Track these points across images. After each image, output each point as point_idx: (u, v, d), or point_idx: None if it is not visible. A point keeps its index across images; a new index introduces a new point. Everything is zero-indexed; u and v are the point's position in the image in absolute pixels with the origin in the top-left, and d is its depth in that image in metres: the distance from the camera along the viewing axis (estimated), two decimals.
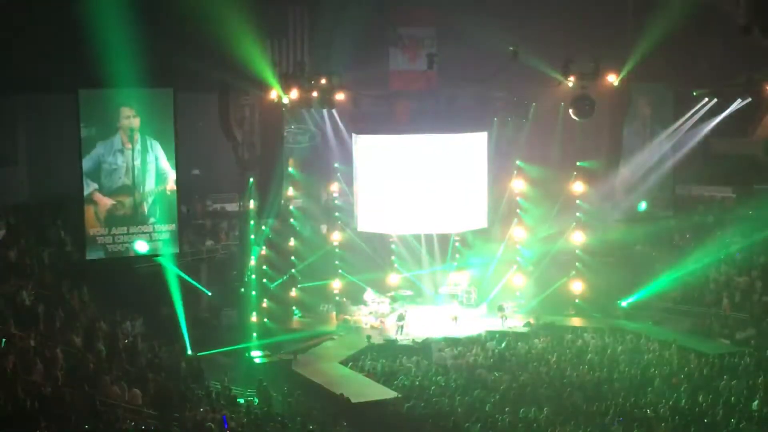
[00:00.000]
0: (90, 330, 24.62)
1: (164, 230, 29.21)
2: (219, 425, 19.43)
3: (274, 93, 29.52)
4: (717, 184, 36.52)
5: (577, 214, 33.50)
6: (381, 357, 28.77)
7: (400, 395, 24.77)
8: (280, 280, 32.50)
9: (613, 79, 30.54)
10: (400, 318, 31.55)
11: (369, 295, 33.33)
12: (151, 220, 28.86)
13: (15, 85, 28.73)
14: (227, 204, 34.88)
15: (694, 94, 32.81)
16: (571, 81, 30.25)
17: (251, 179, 31.24)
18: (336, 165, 34.47)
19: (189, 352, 27.48)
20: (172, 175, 29.08)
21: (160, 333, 27.65)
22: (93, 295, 27.28)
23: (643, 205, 33.08)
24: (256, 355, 29.50)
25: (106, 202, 28.35)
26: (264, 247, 32.37)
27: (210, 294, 31.95)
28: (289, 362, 28.50)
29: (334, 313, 33.23)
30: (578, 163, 33.05)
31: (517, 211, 34.26)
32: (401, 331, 31.10)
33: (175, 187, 29.15)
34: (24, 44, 27.69)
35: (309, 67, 33.06)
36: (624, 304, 32.35)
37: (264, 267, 32.10)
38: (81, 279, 27.40)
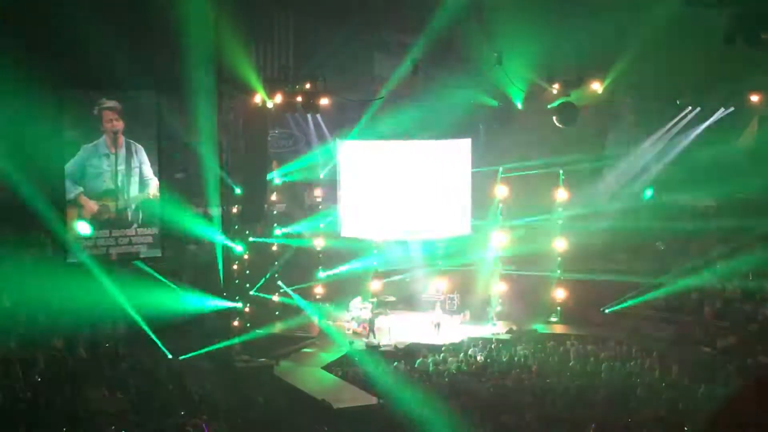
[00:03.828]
0: (71, 334, 24.53)
1: (147, 234, 29.13)
2: (198, 430, 19.35)
3: (259, 97, 29.47)
4: (699, 192, 36.57)
5: (559, 221, 33.55)
6: (363, 363, 28.72)
7: (381, 401, 24.75)
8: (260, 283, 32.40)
9: (597, 87, 30.64)
10: (371, 322, 31.63)
11: (355, 301, 33.22)
12: (134, 225, 28.79)
13: None
14: (211, 208, 34.71)
15: (678, 102, 32.95)
16: (555, 88, 30.32)
17: (235, 183, 31.19)
18: (320, 170, 34.39)
19: (170, 356, 27.40)
20: (155, 182, 29.04)
21: (142, 337, 27.54)
22: (74, 299, 27.14)
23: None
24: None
25: (92, 205, 28.26)
26: (247, 252, 32.30)
27: None
28: (270, 367, 28.42)
29: (317, 318, 33.15)
30: (560, 171, 33.10)
31: (500, 217, 34.24)
32: (373, 335, 31.25)
33: (158, 194, 29.11)
34: (5, 45, 27.50)
35: (294, 71, 32.99)
36: (606, 311, 32.44)
37: (247, 272, 32.01)
38: (62, 282, 27.26)
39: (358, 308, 33.01)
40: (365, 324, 32.17)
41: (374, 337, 31.20)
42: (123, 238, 28.88)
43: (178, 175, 31.90)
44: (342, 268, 33.99)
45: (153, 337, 27.73)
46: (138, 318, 28.57)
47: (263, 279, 32.32)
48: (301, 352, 30.49)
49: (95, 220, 28.45)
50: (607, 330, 31.55)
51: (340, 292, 33.77)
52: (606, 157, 34.95)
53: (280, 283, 33.22)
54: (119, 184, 28.75)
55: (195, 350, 28.50)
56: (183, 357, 27.74)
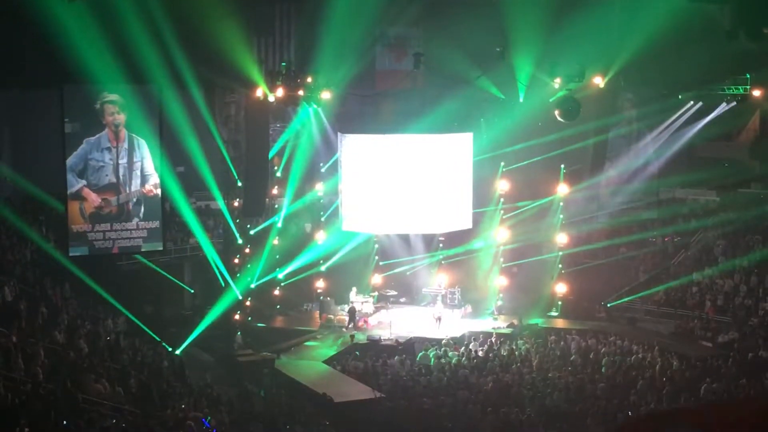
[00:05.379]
0: (72, 327, 24.53)
1: (148, 227, 29.11)
2: (199, 424, 19.34)
3: (260, 91, 29.49)
4: (701, 187, 36.61)
5: (561, 215, 33.54)
6: (364, 356, 28.73)
7: (383, 395, 24.75)
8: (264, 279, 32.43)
9: (599, 81, 30.63)
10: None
11: (353, 294, 33.25)
12: (136, 218, 28.77)
13: None
14: (212, 202, 34.72)
15: (680, 97, 32.93)
16: (557, 83, 30.32)
17: (236, 177, 31.21)
18: (321, 164, 34.37)
19: (170, 349, 27.44)
20: (155, 178, 28.99)
21: (143, 330, 27.57)
22: (75, 292, 27.17)
23: None
24: None
25: (95, 198, 28.22)
26: (248, 246, 32.32)
27: (193, 291, 31.92)
28: (272, 361, 28.44)
29: (318, 312, 33.17)
30: (562, 166, 33.08)
31: (501, 212, 34.23)
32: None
33: (159, 191, 29.05)
34: (7, 40, 27.51)
35: (295, 65, 32.97)
36: (608, 305, 32.48)
37: (248, 265, 32.03)
38: (63, 276, 27.30)
39: (359, 302, 33.03)
40: (366, 317, 32.22)
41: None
42: (124, 232, 28.84)
43: (179, 168, 31.91)
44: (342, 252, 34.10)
45: (150, 333, 27.76)
46: (138, 312, 28.70)
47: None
48: (302, 345, 30.51)
49: (96, 214, 28.42)
50: (607, 324, 31.58)
51: (342, 285, 33.76)
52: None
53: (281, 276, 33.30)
54: (121, 177, 28.70)
55: (195, 343, 28.63)
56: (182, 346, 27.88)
